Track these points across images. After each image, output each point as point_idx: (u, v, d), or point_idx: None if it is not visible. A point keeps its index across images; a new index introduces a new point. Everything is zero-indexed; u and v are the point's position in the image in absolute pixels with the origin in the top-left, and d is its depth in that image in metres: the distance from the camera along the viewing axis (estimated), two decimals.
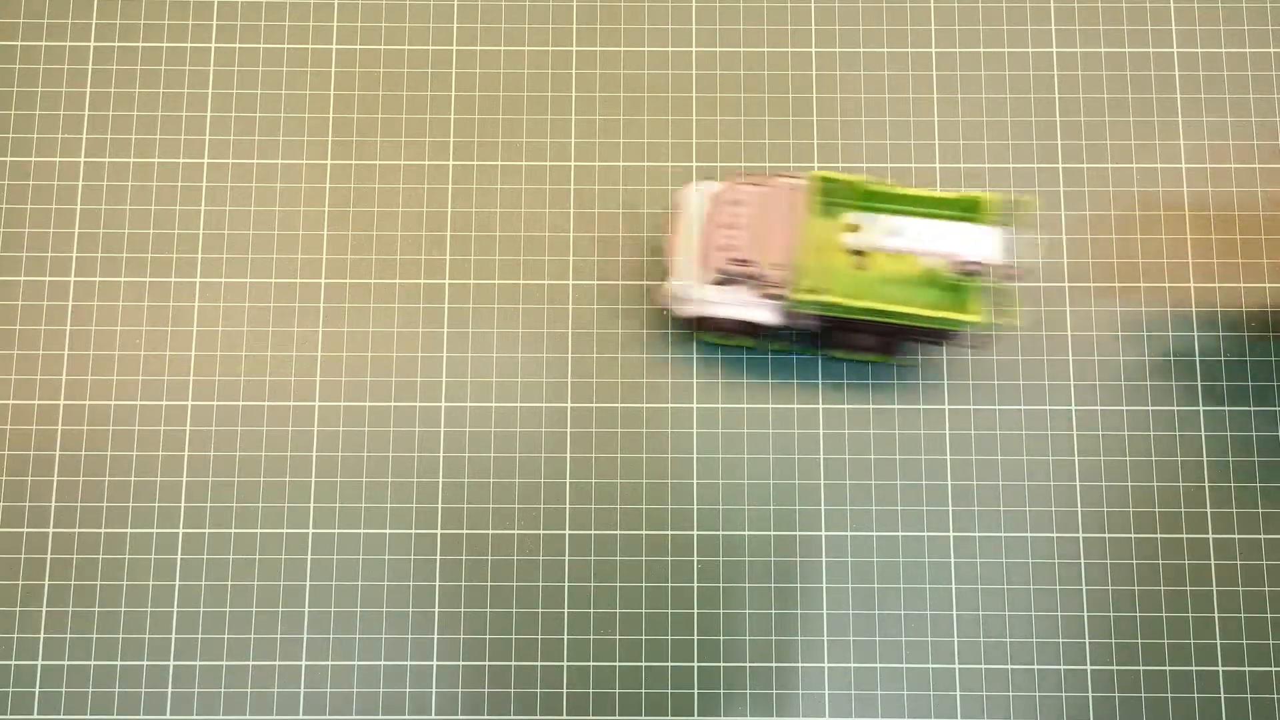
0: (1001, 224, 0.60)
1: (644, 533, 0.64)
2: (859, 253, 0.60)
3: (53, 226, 0.67)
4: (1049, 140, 0.68)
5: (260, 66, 0.69)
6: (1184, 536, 0.64)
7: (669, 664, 0.63)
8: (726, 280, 0.60)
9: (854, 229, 0.59)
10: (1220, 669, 0.63)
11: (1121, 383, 0.65)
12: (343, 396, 0.65)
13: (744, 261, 0.59)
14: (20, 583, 0.64)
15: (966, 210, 0.60)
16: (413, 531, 0.64)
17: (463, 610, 0.63)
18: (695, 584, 0.63)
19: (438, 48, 0.69)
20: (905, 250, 0.59)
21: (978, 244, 0.58)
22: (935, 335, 0.61)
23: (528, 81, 0.69)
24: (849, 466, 0.65)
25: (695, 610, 0.63)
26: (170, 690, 0.63)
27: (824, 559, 0.64)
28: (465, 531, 0.64)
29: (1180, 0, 0.70)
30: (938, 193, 0.60)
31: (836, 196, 0.61)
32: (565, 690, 0.63)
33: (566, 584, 0.64)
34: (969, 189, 0.63)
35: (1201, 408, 0.65)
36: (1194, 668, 0.63)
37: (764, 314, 0.61)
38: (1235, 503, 0.64)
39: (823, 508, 0.64)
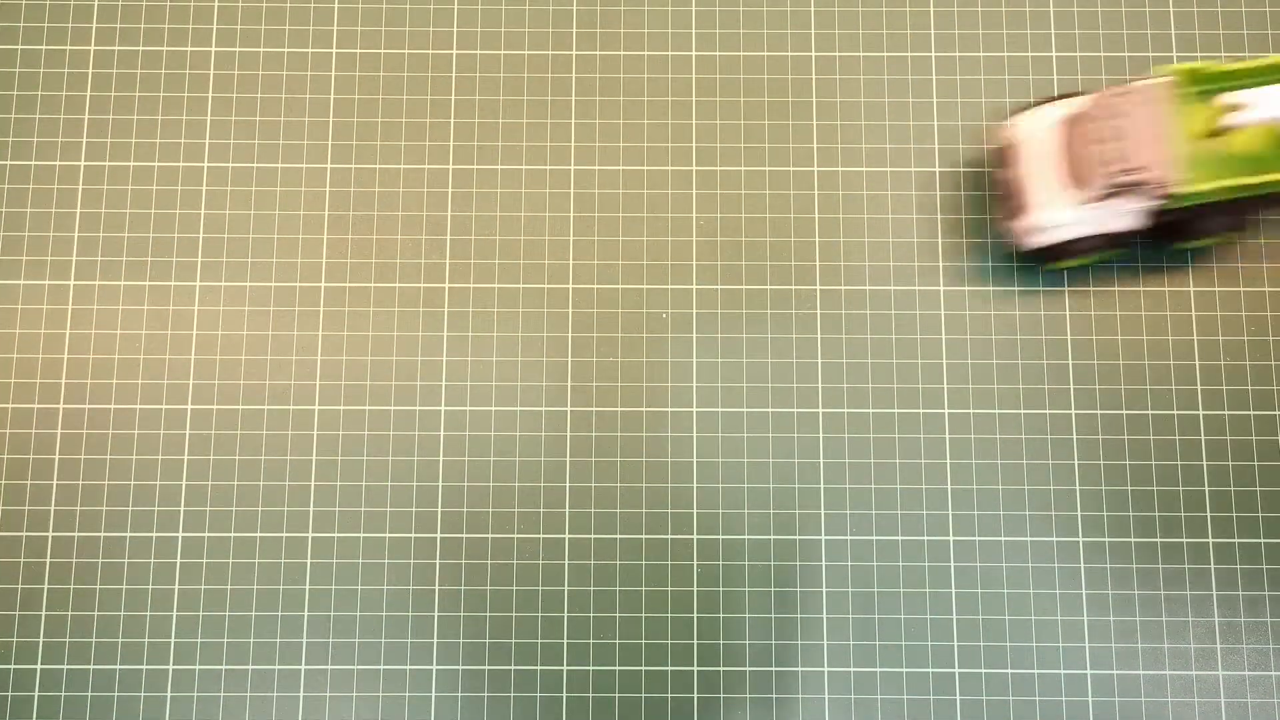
0: None
1: (644, 537, 0.64)
2: (1217, 133, 0.60)
3: (52, 230, 0.67)
4: None
5: (260, 70, 0.69)
6: (1184, 541, 0.64)
7: (669, 668, 0.63)
8: (1113, 194, 0.60)
9: (1236, 108, 0.59)
10: (1220, 673, 0.63)
11: (1121, 387, 0.65)
12: (342, 400, 0.65)
13: (1136, 169, 0.59)
14: (19, 587, 0.63)
15: None
16: (412, 535, 0.64)
17: (462, 614, 0.63)
18: (695, 588, 0.63)
19: (438, 52, 0.69)
20: None
21: None
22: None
23: (527, 85, 0.69)
24: (849, 470, 0.65)
25: (695, 614, 0.63)
26: (169, 694, 0.62)
27: (824, 563, 0.64)
28: (465, 535, 0.64)
29: (1180, 5, 0.70)
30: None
31: (1200, 84, 0.61)
32: (565, 694, 0.63)
33: (566, 588, 0.64)
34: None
35: (1201, 412, 0.65)
36: (1194, 672, 0.63)
37: (1129, 220, 0.62)
38: (1235, 507, 0.64)
39: (822, 512, 0.64)
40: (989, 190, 0.67)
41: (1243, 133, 0.61)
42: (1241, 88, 0.62)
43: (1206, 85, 0.62)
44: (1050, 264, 0.65)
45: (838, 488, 0.64)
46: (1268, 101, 0.59)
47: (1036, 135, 0.63)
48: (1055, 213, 0.62)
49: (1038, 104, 0.65)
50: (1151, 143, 0.60)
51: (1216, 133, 0.60)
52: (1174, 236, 0.64)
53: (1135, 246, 0.67)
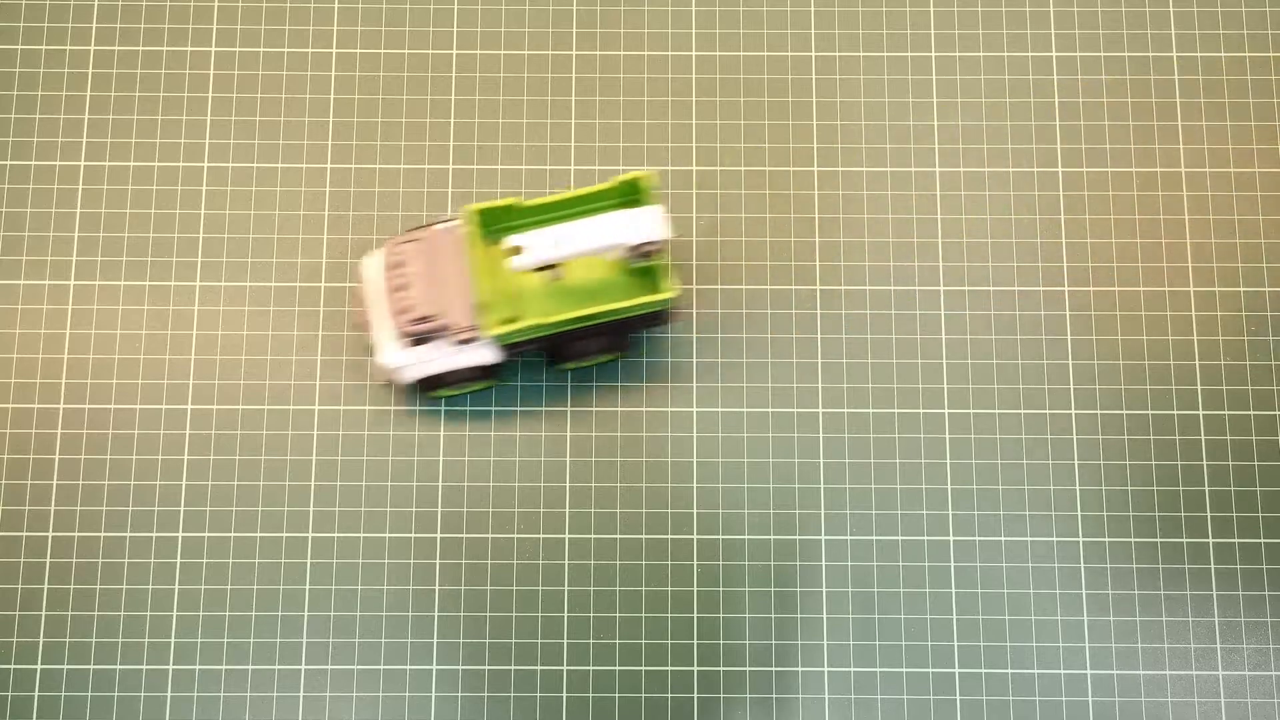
0: (656, 200, 0.60)
1: (644, 537, 0.64)
2: (551, 267, 0.60)
3: (52, 230, 0.67)
4: (1048, 144, 0.68)
5: (260, 70, 0.69)
6: (1184, 541, 0.64)
7: (669, 668, 0.63)
8: (418, 340, 0.60)
9: (516, 251, 0.58)
10: (1220, 673, 0.63)
11: (1121, 387, 0.65)
12: (343, 400, 0.65)
13: (424, 318, 0.59)
14: (19, 587, 0.63)
15: (627, 195, 0.61)
16: (412, 535, 0.64)
17: (462, 614, 0.63)
18: (695, 588, 0.63)
19: (437, 51, 0.69)
20: (573, 256, 0.58)
21: (640, 226, 0.58)
22: (650, 320, 0.62)
23: (527, 85, 0.69)
24: (849, 470, 0.65)
25: (695, 614, 0.63)
26: (169, 694, 0.62)
27: (824, 563, 0.64)
28: (465, 535, 0.64)
29: (1179, 5, 0.70)
30: (594, 187, 0.61)
31: (499, 223, 0.61)
32: (565, 694, 0.63)
33: (566, 588, 0.64)
34: (627, 172, 0.63)
35: (1201, 412, 0.65)
36: (1194, 672, 0.63)
37: (483, 354, 0.61)
38: (1235, 507, 0.64)
39: (822, 512, 0.64)
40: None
41: (581, 265, 0.61)
42: (544, 223, 0.61)
43: (510, 221, 0.61)
44: (430, 393, 0.63)
45: (838, 488, 0.64)
46: (540, 244, 0.58)
47: (370, 277, 0.62)
48: (396, 353, 0.61)
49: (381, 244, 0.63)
50: (443, 288, 0.59)
51: (550, 267, 0.60)
52: (555, 359, 0.63)
53: (523, 368, 0.66)
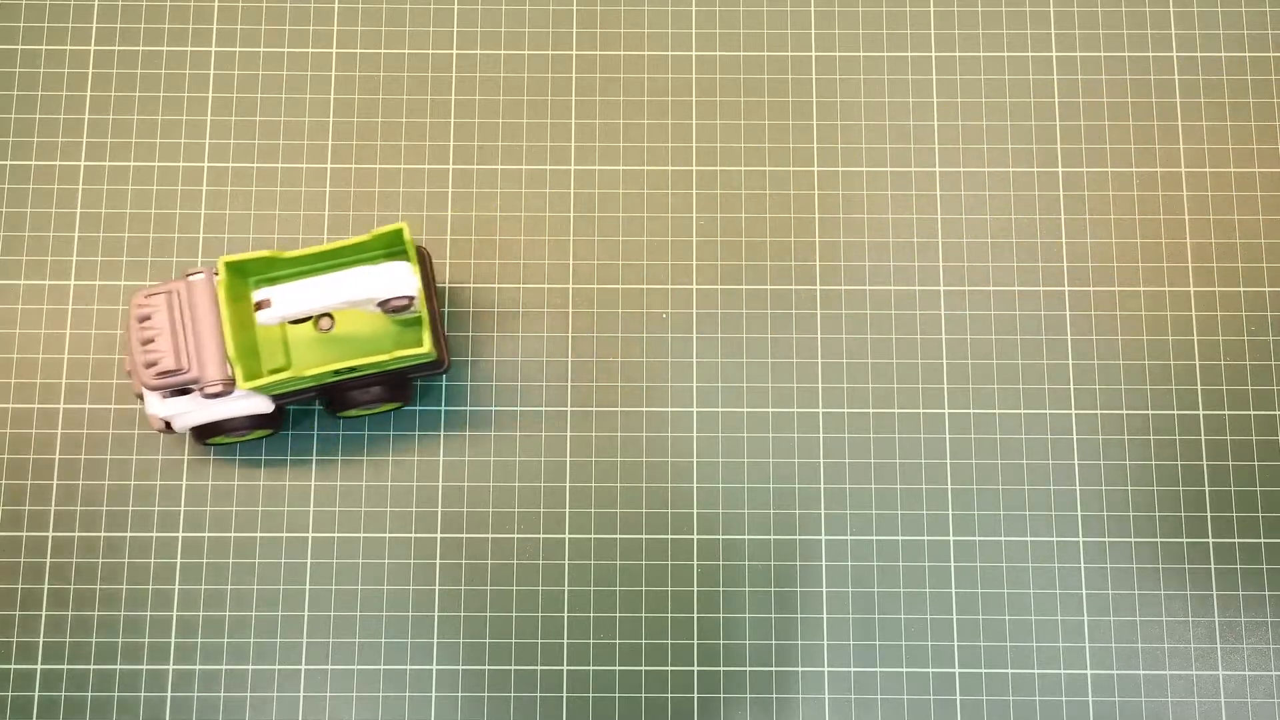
0: (402, 255, 0.60)
1: (644, 537, 0.64)
2: (325, 317, 0.60)
3: (53, 230, 0.67)
4: (1049, 144, 0.68)
5: (260, 70, 0.69)
6: (1184, 541, 0.64)
7: (669, 668, 0.63)
8: (172, 393, 0.59)
9: (263, 305, 0.57)
10: (1220, 673, 0.63)
11: (1121, 387, 0.65)
12: None
13: (173, 370, 0.58)
14: (19, 587, 0.63)
15: (390, 246, 0.61)
16: (412, 535, 0.64)
17: (462, 614, 0.63)
18: (695, 588, 0.63)
19: (438, 52, 0.69)
20: (319, 310, 0.58)
21: (387, 281, 0.57)
22: (423, 369, 0.62)
23: (527, 85, 0.69)
24: (849, 470, 0.65)
25: (695, 614, 0.63)
26: (169, 694, 0.62)
27: (824, 563, 0.64)
28: (465, 535, 0.64)
29: (1179, 5, 0.70)
30: (354, 239, 0.60)
31: (259, 274, 0.61)
32: (565, 694, 0.63)
33: (566, 588, 0.63)
34: (382, 227, 0.62)
35: (1201, 412, 0.65)
36: (1194, 672, 0.63)
37: (253, 404, 0.60)
38: (1235, 507, 0.64)
39: (822, 512, 0.64)
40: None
41: (352, 316, 0.61)
42: (300, 275, 0.60)
43: (266, 273, 0.61)
44: (208, 440, 0.62)
45: (838, 488, 0.64)
46: (286, 298, 0.57)
47: (130, 327, 0.60)
48: (159, 403, 0.60)
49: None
50: (193, 339, 0.58)
51: (321, 317, 0.59)
52: (335, 408, 0.62)
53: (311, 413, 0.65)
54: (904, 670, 0.63)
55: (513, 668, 0.63)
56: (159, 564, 0.64)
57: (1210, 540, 0.64)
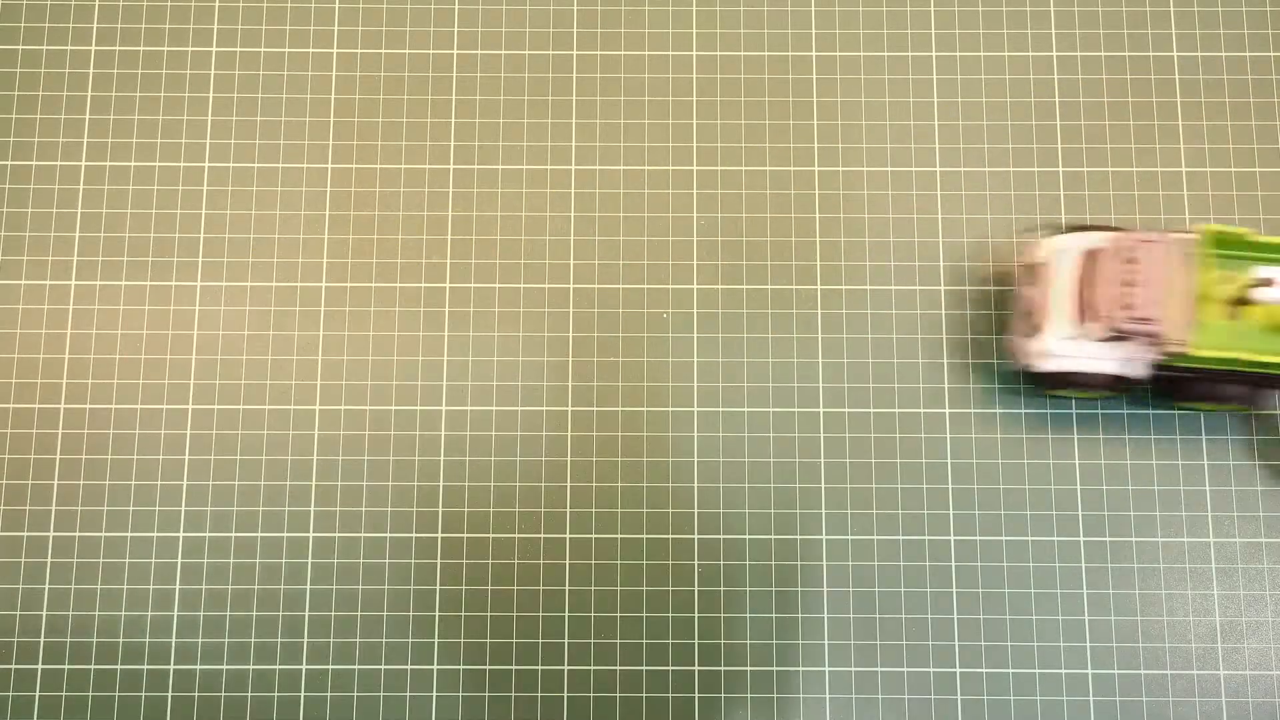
0: None
1: (644, 536, 0.64)
2: (1241, 302, 0.59)
3: (53, 230, 0.67)
4: (1049, 144, 0.68)
5: (261, 70, 0.69)
6: (1185, 540, 0.64)
7: (670, 668, 0.63)
8: (1118, 337, 0.59)
9: (1266, 283, 0.57)
10: (1221, 673, 0.63)
11: None
12: (343, 400, 0.65)
13: (1146, 319, 0.58)
14: (20, 587, 0.63)
15: None
16: (413, 535, 0.64)
17: (463, 614, 0.63)
18: (696, 588, 0.63)
19: (438, 51, 0.69)
20: None
21: None
22: None
23: (528, 85, 0.69)
24: (850, 470, 0.65)
25: (696, 614, 0.63)
26: (170, 694, 0.62)
27: (825, 563, 0.64)
28: (466, 535, 0.64)
29: (1180, 4, 0.70)
30: None
31: (1227, 249, 0.60)
32: (566, 694, 0.63)
33: (567, 588, 0.64)
34: None
35: (1202, 411, 0.65)
36: (1195, 672, 0.63)
37: (1135, 368, 0.61)
38: (1236, 506, 0.64)
39: (823, 511, 0.64)
40: (1010, 305, 0.66)
41: (1265, 308, 0.60)
42: (1270, 262, 0.60)
43: (1233, 251, 0.60)
44: (1050, 391, 0.63)
45: (839, 487, 0.64)
46: None
47: (1061, 260, 0.62)
48: (1062, 342, 0.61)
49: (1072, 228, 0.63)
50: (1165, 296, 0.59)
51: (1241, 302, 0.59)
52: (1181, 395, 0.62)
53: (1142, 396, 0.65)
54: (905, 670, 0.63)
55: (514, 668, 0.63)
56: (159, 564, 0.64)
57: (1211, 540, 0.64)
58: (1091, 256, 0.61)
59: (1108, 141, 0.68)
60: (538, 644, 0.63)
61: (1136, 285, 0.59)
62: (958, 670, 0.63)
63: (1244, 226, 0.64)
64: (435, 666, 0.63)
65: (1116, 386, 0.62)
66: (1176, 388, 0.62)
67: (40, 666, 0.63)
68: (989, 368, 0.66)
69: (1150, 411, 0.65)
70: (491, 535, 0.64)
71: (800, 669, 0.63)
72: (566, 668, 0.63)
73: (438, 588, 0.64)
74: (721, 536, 0.64)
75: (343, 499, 0.64)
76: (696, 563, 0.64)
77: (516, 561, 0.64)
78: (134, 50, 0.69)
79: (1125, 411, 0.65)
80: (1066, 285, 0.61)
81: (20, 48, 0.69)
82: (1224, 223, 0.67)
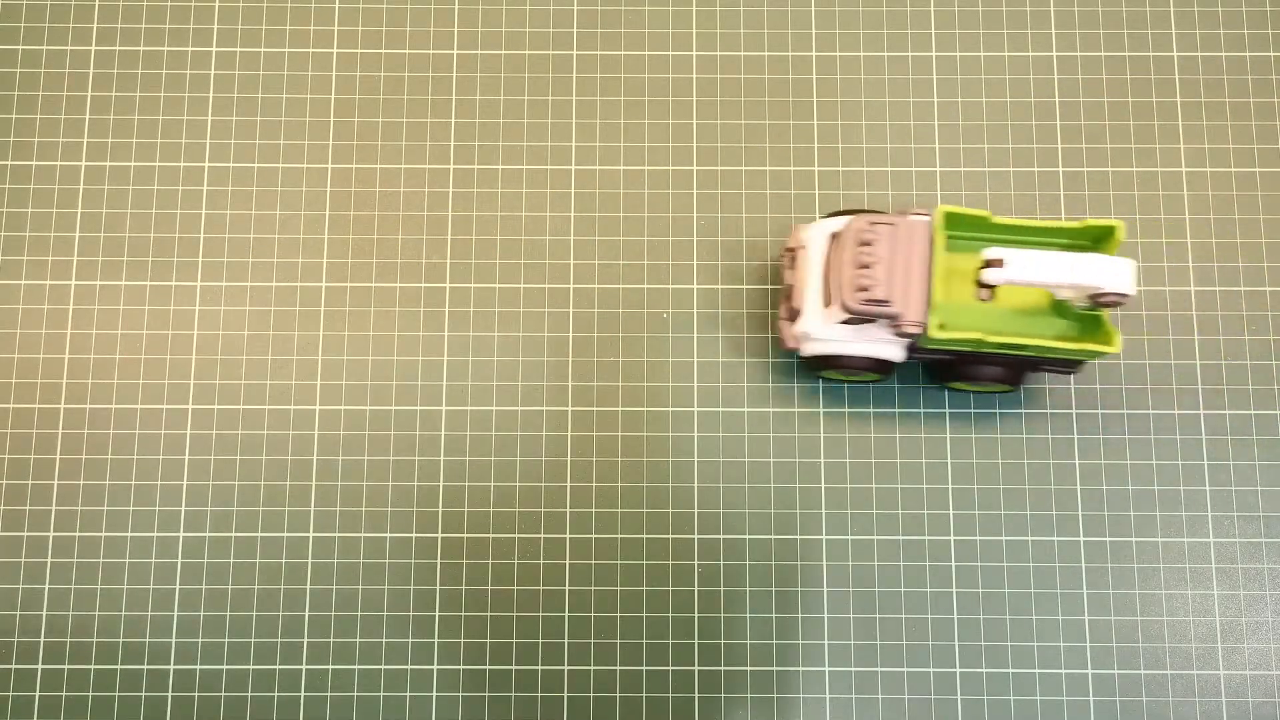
0: (1121, 253, 0.59)
1: (645, 537, 0.64)
2: (986, 285, 0.59)
3: (54, 230, 0.67)
4: (1049, 144, 0.68)
5: (261, 70, 0.69)
6: (1185, 540, 0.64)
7: (670, 668, 0.63)
8: (859, 319, 0.59)
9: (991, 263, 0.58)
10: (1221, 673, 0.63)
11: (1122, 387, 0.65)
12: (343, 400, 0.65)
13: (881, 301, 0.58)
14: (20, 587, 0.63)
15: (1093, 239, 0.60)
16: (413, 535, 0.64)
17: (463, 614, 0.63)
18: (696, 588, 0.63)
19: (438, 51, 0.69)
20: (1042, 283, 0.57)
21: (1115, 275, 0.57)
22: (1064, 365, 0.61)
23: (528, 85, 0.69)
24: (850, 470, 0.65)
25: (696, 614, 0.63)
26: (170, 694, 0.62)
27: (825, 563, 0.64)
28: (466, 535, 0.64)
29: (1180, 4, 0.70)
30: (1063, 223, 0.60)
31: (961, 230, 0.61)
32: (566, 694, 0.63)
33: (567, 588, 0.64)
34: (1096, 218, 0.62)
35: (1202, 411, 0.65)
36: (1195, 672, 0.63)
37: (892, 350, 0.61)
38: (1236, 506, 0.64)
39: (824, 511, 0.64)
40: (776, 287, 0.66)
41: (1014, 290, 0.60)
42: (1003, 243, 0.60)
43: (971, 232, 0.61)
44: (819, 373, 0.64)
45: (839, 487, 0.64)
46: (1020, 264, 0.57)
47: (814, 244, 0.62)
48: (816, 326, 0.61)
49: (837, 213, 0.63)
50: (901, 277, 0.58)
51: (986, 284, 0.59)
52: (945, 376, 0.63)
53: (913, 378, 0.65)
54: (905, 670, 0.63)
55: (514, 668, 0.63)
56: (159, 564, 0.64)
57: (1211, 540, 0.64)
58: (835, 239, 0.61)
59: (1108, 141, 0.68)
60: (538, 644, 0.63)
61: (871, 267, 0.58)
62: (958, 670, 0.63)
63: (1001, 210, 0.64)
64: (435, 666, 0.63)
65: (879, 369, 0.62)
66: (939, 369, 0.63)
67: (40, 666, 0.63)
68: None
69: (1150, 412, 0.65)
70: (491, 535, 0.64)
71: (800, 669, 0.63)
72: (566, 668, 0.63)
73: (438, 588, 0.64)
74: (721, 536, 0.64)
75: (343, 499, 0.64)
76: (696, 563, 0.64)
77: (516, 561, 0.64)
78: (134, 50, 0.69)
79: (1125, 412, 0.65)
80: (817, 269, 0.61)
81: (20, 48, 0.69)
82: (1224, 222, 0.67)
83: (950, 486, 0.64)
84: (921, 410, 0.65)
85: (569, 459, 0.65)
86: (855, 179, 0.68)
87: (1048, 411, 0.65)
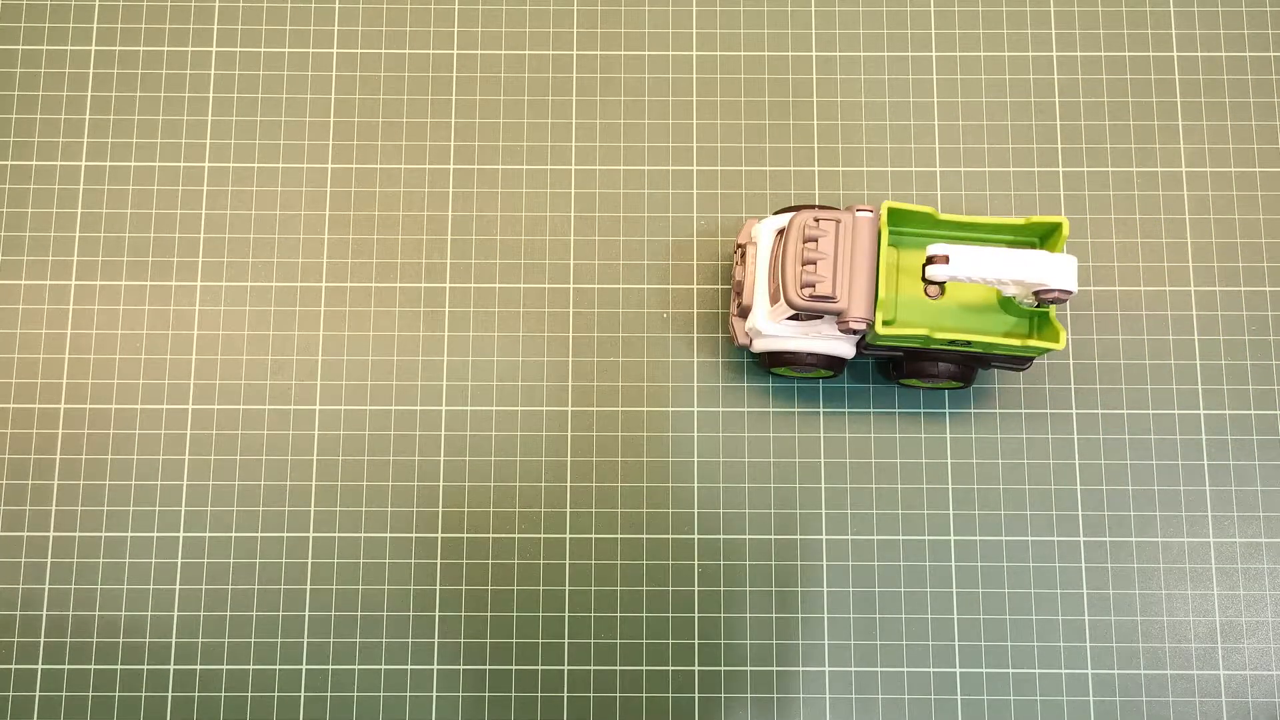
0: (1064, 250, 0.59)
1: (645, 536, 0.64)
2: (933, 282, 0.59)
3: (54, 230, 0.67)
4: (1049, 144, 0.68)
5: (261, 70, 0.69)
6: (1185, 540, 0.64)
7: (670, 668, 0.63)
8: (806, 315, 0.59)
9: (937, 260, 0.57)
10: (1221, 673, 0.63)
11: (1122, 387, 0.66)
12: (343, 400, 0.65)
13: (826, 297, 0.58)
14: (20, 587, 0.63)
15: (1039, 236, 0.60)
16: (413, 535, 0.64)
17: (463, 614, 0.63)
18: (696, 588, 0.63)
19: (438, 51, 0.69)
20: (986, 280, 0.57)
21: (1058, 272, 0.57)
22: (1013, 361, 0.61)
23: (528, 85, 0.69)
24: (850, 470, 0.65)
25: (696, 614, 0.63)
26: (170, 694, 0.62)
27: (825, 563, 0.64)
28: (466, 535, 0.64)
29: (1180, 4, 0.70)
30: (1008, 220, 0.60)
31: (907, 226, 0.61)
32: (566, 694, 0.63)
33: (567, 588, 0.64)
34: (1043, 215, 0.62)
35: (1202, 411, 0.65)
36: (1195, 672, 0.63)
37: (842, 346, 0.61)
38: (1236, 506, 0.64)
39: (823, 511, 0.64)
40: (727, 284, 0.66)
41: (962, 286, 0.60)
42: (949, 239, 0.60)
43: (916, 228, 0.61)
44: (771, 369, 0.64)
45: (839, 487, 0.64)
46: (964, 260, 0.57)
47: (763, 240, 0.62)
48: (764, 322, 0.61)
49: (787, 209, 0.63)
50: (848, 273, 0.58)
51: (933, 281, 0.59)
52: (897, 374, 0.63)
53: (864, 374, 0.66)
54: (905, 670, 0.63)
55: (514, 667, 0.63)
56: (159, 564, 0.64)
57: (1211, 540, 0.64)
58: (780, 236, 0.61)
59: (1108, 141, 0.68)
60: (538, 644, 0.63)
61: (816, 263, 0.58)
62: (958, 670, 0.63)
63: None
64: (435, 666, 0.63)
65: (830, 365, 0.62)
66: (891, 365, 0.63)
67: (40, 666, 0.63)
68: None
69: (1150, 412, 0.65)
70: (491, 535, 0.64)
71: (800, 669, 0.63)
72: (566, 668, 0.63)
73: (438, 588, 0.64)
74: (721, 536, 0.64)
75: (343, 499, 0.64)
76: (696, 563, 0.64)
77: (516, 561, 0.64)
78: (134, 50, 0.69)
79: (1125, 412, 0.65)
80: (763, 266, 0.61)
81: (20, 48, 0.69)
82: (1224, 222, 0.67)
83: (950, 486, 0.64)
84: (922, 411, 0.65)
85: (569, 459, 0.65)
86: (855, 179, 0.68)
87: (1048, 412, 0.65)
